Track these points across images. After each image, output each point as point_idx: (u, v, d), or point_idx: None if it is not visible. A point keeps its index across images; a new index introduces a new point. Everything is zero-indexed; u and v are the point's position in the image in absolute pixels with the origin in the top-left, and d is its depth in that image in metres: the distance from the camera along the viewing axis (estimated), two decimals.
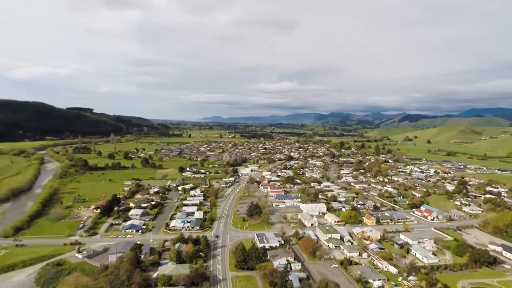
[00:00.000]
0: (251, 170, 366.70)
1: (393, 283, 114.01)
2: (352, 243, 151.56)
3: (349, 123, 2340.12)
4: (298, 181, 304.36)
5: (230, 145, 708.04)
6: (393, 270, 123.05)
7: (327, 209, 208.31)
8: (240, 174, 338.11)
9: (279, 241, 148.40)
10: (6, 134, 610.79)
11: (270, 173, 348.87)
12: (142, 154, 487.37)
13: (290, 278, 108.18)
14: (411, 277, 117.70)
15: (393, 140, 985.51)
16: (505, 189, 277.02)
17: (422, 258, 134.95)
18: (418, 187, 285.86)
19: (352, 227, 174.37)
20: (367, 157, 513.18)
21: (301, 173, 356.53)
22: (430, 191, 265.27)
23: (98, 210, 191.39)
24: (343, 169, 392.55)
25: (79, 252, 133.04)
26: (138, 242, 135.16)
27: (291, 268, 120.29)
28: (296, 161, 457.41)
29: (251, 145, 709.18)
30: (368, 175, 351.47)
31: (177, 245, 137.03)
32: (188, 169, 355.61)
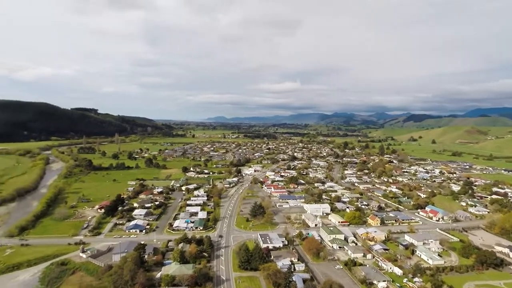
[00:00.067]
0: (255, 171, 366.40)
1: (398, 284, 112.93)
2: (356, 244, 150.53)
3: (353, 123, 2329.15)
4: (302, 181, 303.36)
5: (234, 145, 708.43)
6: (398, 271, 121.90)
7: (331, 210, 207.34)
8: (243, 174, 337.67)
9: (282, 242, 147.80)
10: (12, 134, 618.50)
11: (273, 173, 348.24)
12: (146, 154, 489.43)
13: (293, 279, 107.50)
14: (416, 279, 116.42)
15: (398, 140, 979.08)
16: None
17: (428, 260, 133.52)
18: (423, 188, 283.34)
19: (356, 227, 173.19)
20: (371, 157, 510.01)
21: (304, 173, 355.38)
22: (435, 191, 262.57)
23: (102, 210, 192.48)
24: (347, 170, 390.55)
25: (83, 251, 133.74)
26: (142, 242, 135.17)
27: (294, 269, 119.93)
28: (300, 162, 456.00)
29: (254, 145, 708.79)
30: (372, 176, 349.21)
31: (180, 245, 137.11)
32: (191, 169, 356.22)
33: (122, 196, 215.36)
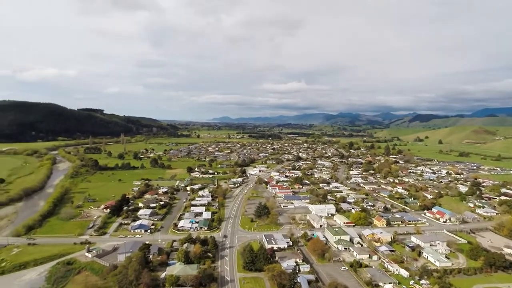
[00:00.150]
0: (259, 171, 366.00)
1: (405, 286, 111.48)
2: (362, 245, 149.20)
3: (358, 123, 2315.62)
4: (307, 181, 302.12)
5: (238, 145, 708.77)
6: (404, 273, 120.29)
7: (336, 210, 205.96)
8: (248, 175, 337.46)
9: (287, 242, 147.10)
10: (19, 134, 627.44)
11: (278, 173, 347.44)
12: (151, 155, 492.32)
13: (298, 280, 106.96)
14: (423, 281, 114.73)
15: (404, 141, 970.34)
16: None
17: (435, 261, 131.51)
18: (429, 189, 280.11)
19: (362, 228, 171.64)
20: (377, 158, 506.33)
21: (309, 173, 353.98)
22: (442, 192, 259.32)
23: (108, 210, 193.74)
24: (352, 170, 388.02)
25: (88, 251, 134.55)
26: (147, 242, 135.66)
27: (299, 270, 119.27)
28: (305, 162, 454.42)
29: (259, 146, 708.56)
30: (378, 176, 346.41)
31: (185, 245, 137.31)
32: (196, 169, 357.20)
33: (127, 196, 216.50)
